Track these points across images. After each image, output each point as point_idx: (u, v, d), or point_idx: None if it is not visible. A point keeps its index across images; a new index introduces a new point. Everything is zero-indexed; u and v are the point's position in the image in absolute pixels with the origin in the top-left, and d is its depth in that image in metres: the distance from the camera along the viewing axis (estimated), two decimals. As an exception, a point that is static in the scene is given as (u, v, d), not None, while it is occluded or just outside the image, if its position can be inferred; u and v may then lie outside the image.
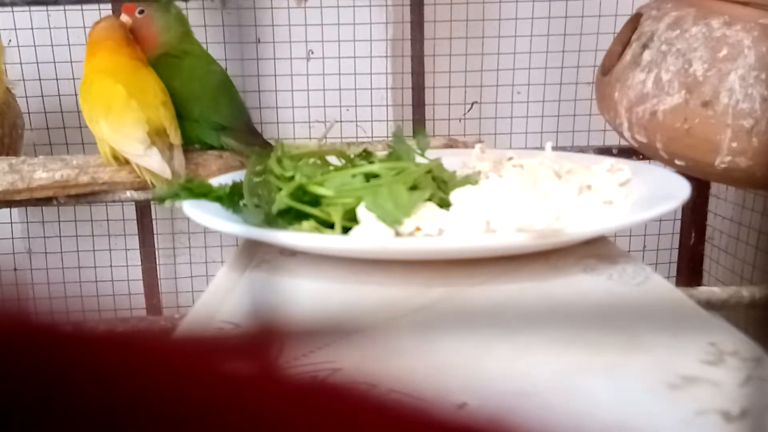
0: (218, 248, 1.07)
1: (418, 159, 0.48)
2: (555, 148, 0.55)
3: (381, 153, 0.50)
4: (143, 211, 1.01)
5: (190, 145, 0.84)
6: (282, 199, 0.41)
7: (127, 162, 0.79)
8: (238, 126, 0.82)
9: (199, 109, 0.82)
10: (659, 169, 0.53)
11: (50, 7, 0.92)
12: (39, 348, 0.11)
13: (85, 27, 0.95)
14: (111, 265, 1.06)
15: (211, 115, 0.82)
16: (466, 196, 0.41)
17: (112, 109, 0.76)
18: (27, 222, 1.05)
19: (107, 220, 1.05)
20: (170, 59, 0.83)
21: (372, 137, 1.02)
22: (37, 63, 0.98)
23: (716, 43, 0.62)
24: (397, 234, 0.39)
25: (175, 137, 0.78)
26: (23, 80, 0.96)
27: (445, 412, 0.12)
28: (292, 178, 0.43)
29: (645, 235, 1.10)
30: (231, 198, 0.45)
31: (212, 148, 0.84)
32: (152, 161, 0.75)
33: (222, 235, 1.04)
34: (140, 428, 0.11)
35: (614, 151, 0.92)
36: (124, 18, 0.82)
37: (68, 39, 0.97)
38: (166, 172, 0.75)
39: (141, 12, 0.82)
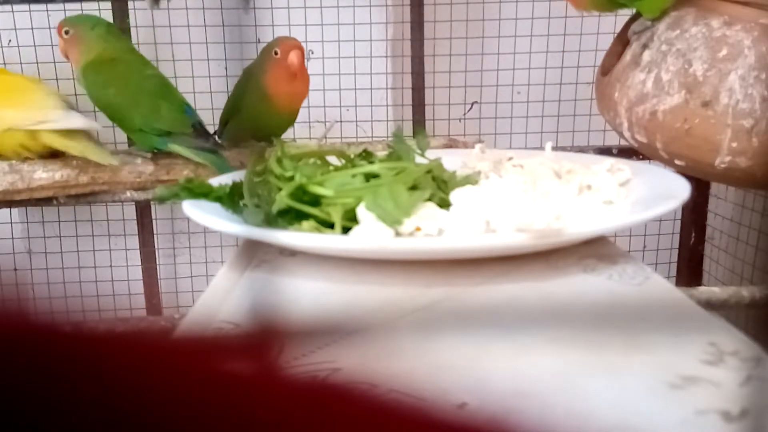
0: (218, 248, 1.07)
1: (418, 159, 0.48)
2: (555, 148, 0.55)
3: (381, 153, 0.50)
4: (143, 211, 1.01)
5: (142, 150, 0.83)
6: (282, 199, 0.41)
7: (41, 149, 0.78)
8: (184, 130, 0.80)
9: (139, 117, 0.79)
10: (659, 169, 0.53)
11: (50, 7, 0.92)
12: (39, 348, 0.11)
13: (85, 27, 0.95)
14: (111, 265, 1.06)
15: (154, 122, 0.79)
16: (466, 196, 0.41)
17: (15, 92, 0.77)
18: (27, 222, 1.05)
19: (107, 220, 1.05)
20: (99, 66, 0.80)
21: (372, 137, 1.02)
22: (37, 63, 0.98)
23: (716, 43, 0.62)
24: (397, 234, 0.39)
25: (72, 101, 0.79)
26: (23, 80, 0.96)
27: (445, 412, 0.12)
28: (292, 178, 0.43)
29: (645, 235, 1.10)
30: (231, 198, 0.45)
31: (169, 153, 0.82)
32: (76, 121, 0.76)
33: (222, 235, 1.04)
34: (140, 428, 0.11)
35: (614, 151, 0.92)
36: (59, 40, 0.82)
37: (68, 39, 0.97)
38: (94, 125, 0.76)
39: (67, 32, 0.81)
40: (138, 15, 0.98)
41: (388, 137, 0.96)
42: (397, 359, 0.27)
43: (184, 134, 0.80)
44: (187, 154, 0.80)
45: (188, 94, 1.01)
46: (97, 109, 0.83)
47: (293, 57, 0.77)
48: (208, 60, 1.01)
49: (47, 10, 0.96)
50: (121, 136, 0.91)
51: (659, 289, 0.36)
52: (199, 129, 0.81)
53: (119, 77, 0.80)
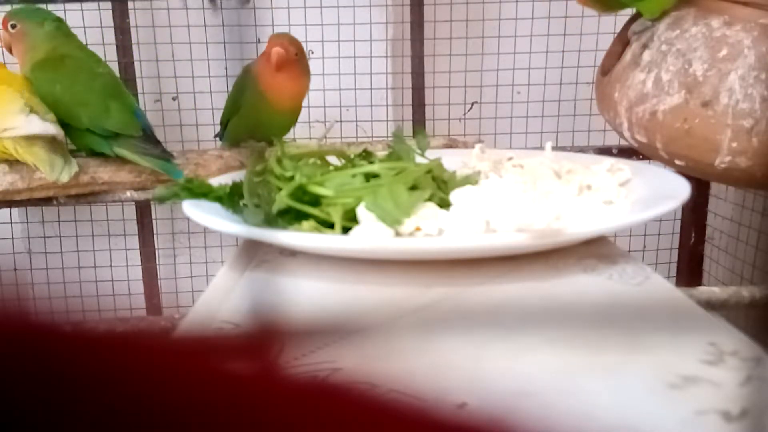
0: (218, 248, 1.07)
1: (418, 159, 0.48)
2: (555, 148, 0.55)
3: (381, 153, 0.50)
4: (143, 211, 1.01)
5: (79, 152, 0.81)
6: (282, 199, 0.41)
7: (6, 156, 0.76)
8: (133, 133, 0.78)
9: (87, 116, 0.77)
10: (659, 169, 0.53)
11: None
12: (39, 348, 0.11)
13: (84, 27, 0.95)
14: (111, 265, 1.06)
15: (101, 122, 0.77)
16: (466, 196, 0.41)
17: None
18: (27, 222, 1.05)
19: (107, 220, 1.05)
20: (48, 64, 0.78)
21: (372, 137, 1.02)
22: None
23: (716, 43, 0.62)
24: (397, 234, 0.39)
25: (47, 111, 0.76)
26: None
27: (445, 412, 0.12)
28: (292, 178, 0.43)
29: (645, 235, 1.10)
30: (231, 198, 0.45)
31: (106, 155, 0.80)
32: (35, 126, 0.74)
33: (222, 235, 1.04)
34: (140, 428, 0.11)
35: (614, 151, 0.92)
36: (2, 33, 0.80)
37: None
38: (50, 130, 0.74)
39: (13, 26, 0.79)
40: (138, 15, 0.98)
41: (388, 137, 0.96)
42: (397, 359, 0.27)
43: (133, 137, 0.77)
44: (135, 159, 0.78)
45: (188, 94, 1.01)
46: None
47: (273, 55, 0.77)
48: (208, 60, 1.01)
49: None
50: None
51: (659, 289, 0.36)
52: (148, 134, 0.79)
53: (68, 74, 0.78)
